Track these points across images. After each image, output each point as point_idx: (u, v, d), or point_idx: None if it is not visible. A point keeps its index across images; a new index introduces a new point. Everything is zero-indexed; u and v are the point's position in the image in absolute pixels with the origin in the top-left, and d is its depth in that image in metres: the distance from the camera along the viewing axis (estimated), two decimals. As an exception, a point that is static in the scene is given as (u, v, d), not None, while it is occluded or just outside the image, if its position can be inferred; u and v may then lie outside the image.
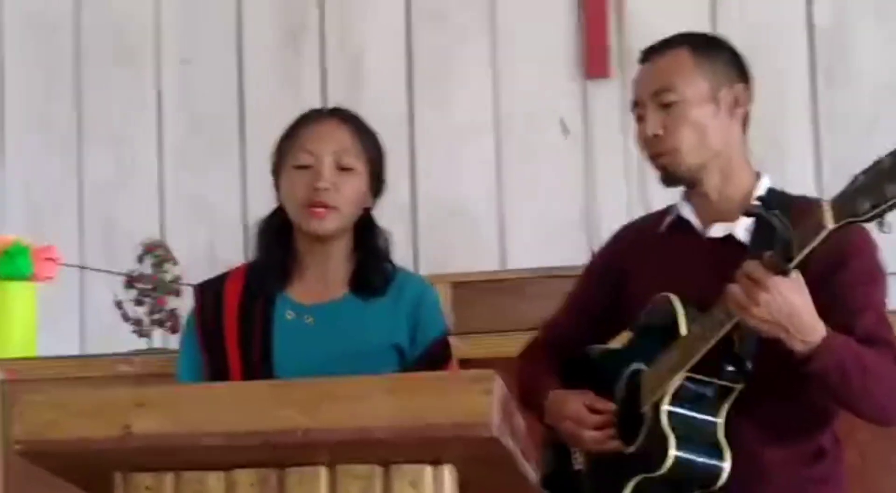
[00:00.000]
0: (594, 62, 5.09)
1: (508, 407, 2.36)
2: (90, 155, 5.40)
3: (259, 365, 2.75)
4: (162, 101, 5.39)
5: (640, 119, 2.68)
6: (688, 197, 2.71)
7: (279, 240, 2.88)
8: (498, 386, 2.27)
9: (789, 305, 2.27)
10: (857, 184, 2.13)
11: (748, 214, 2.46)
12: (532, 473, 2.62)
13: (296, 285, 2.86)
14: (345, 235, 2.85)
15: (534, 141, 5.14)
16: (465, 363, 3.33)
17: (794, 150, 4.80)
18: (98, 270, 4.97)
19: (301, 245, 2.86)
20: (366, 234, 2.89)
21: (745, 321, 2.32)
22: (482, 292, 3.91)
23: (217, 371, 2.78)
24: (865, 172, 2.12)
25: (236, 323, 2.81)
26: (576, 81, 5.13)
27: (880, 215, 2.09)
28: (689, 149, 2.61)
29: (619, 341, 2.75)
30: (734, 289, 2.29)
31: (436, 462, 2.34)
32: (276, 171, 2.87)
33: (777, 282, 2.25)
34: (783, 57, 4.94)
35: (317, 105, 4.95)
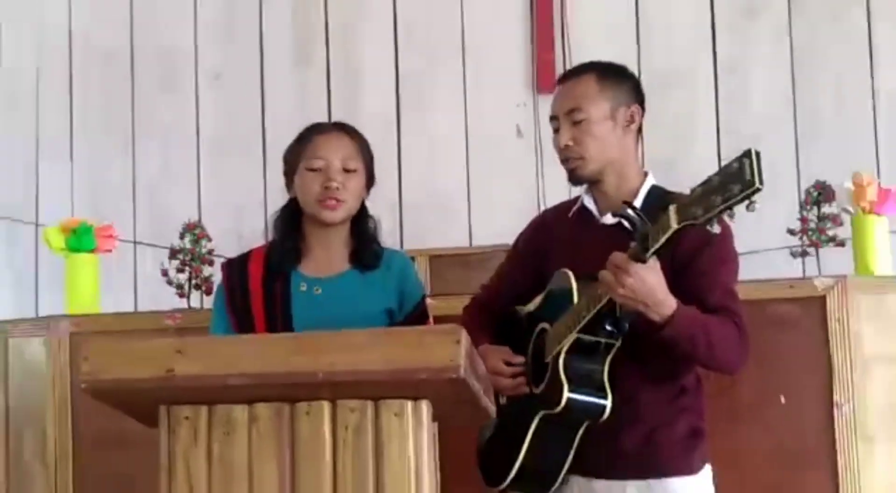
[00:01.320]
0: (542, 80, 5.08)
1: (473, 355, 2.35)
2: (142, 154, 5.38)
3: (280, 327, 2.74)
4: (199, 109, 5.37)
5: (556, 131, 2.70)
6: (590, 190, 2.73)
7: (292, 226, 2.87)
8: (465, 338, 2.26)
9: (646, 286, 2.31)
10: (694, 195, 2.17)
11: (616, 215, 2.48)
12: (492, 408, 2.62)
13: (305, 263, 2.85)
14: (345, 221, 2.84)
15: (495, 143, 5.14)
16: (439, 319, 3.32)
17: (697, 151, 4.82)
18: (148, 244, 4.96)
19: (309, 230, 2.85)
20: (360, 220, 2.89)
21: (613, 298, 2.35)
22: (453, 264, 3.92)
23: (244, 330, 2.77)
24: (701, 185, 2.15)
25: (261, 294, 2.81)
26: (528, 95, 5.13)
27: (709, 221, 2.13)
28: (592, 157, 2.63)
29: (534, 303, 2.74)
30: (604, 273, 2.33)
31: (415, 398, 2.32)
32: (290, 172, 2.86)
33: (637, 268, 2.29)
34: (694, 76, 4.94)
35: (324, 116, 5.02)
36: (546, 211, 2.97)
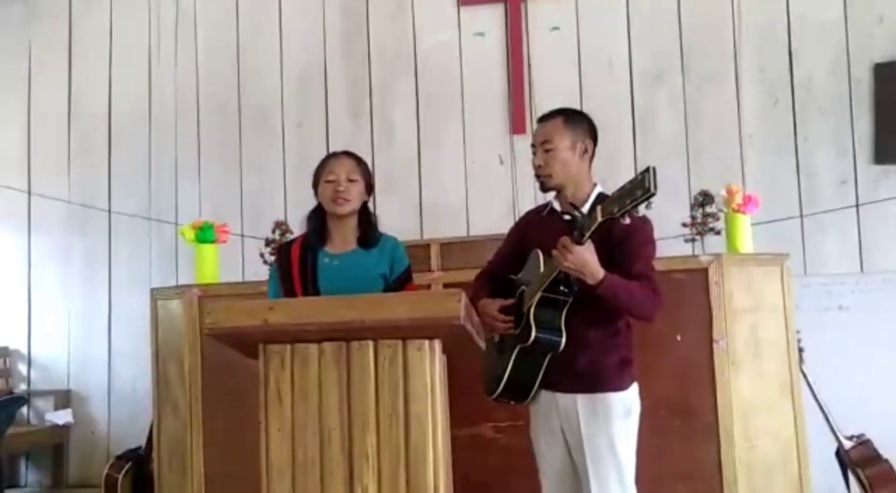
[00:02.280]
0: (516, 125, 5.07)
1: (469, 309, 2.37)
2: (246, 176, 5.37)
3: (311, 289, 2.80)
4: (285, 145, 5.35)
5: (534, 154, 2.70)
6: (557, 196, 2.71)
7: (318, 221, 2.92)
8: (464, 297, 2.28)
9: (582, 260, 2.35)
10: (612, 197, 2.25)
11: (566, 213, 2.55)
12: (482, 343, 2.62)
13: (328, 244, 2.89)
14: (353, 215, 2.90)
15: (485, 167, 5.12)
16: (447, 286, 3.32)
17: (622, 169, 4.78)
18: (250, 236, 4.95)
19: (330, 222, 2.90)
20: (364, 215, 2.93)
21: (561, 268, 2.38)
22: (456, 248, 3.89)
23: (288, 291, 2.83)
24: (618, 190, 2.23)
25: (298, 267, 2.85)
26: (507, 135, 5.10)
27: (623, 214, 2.20)
28: (556, 174, 2.64)
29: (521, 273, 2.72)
30: (555, 251, 2.38)
31: (431, 338, 2.34)
32: (315, 185, 2.92)
33: (576, 248, 2.34)
34: (619, 121, 4.92)
35: (368, 154, 5.01)
36: (527, 212, 2.93)
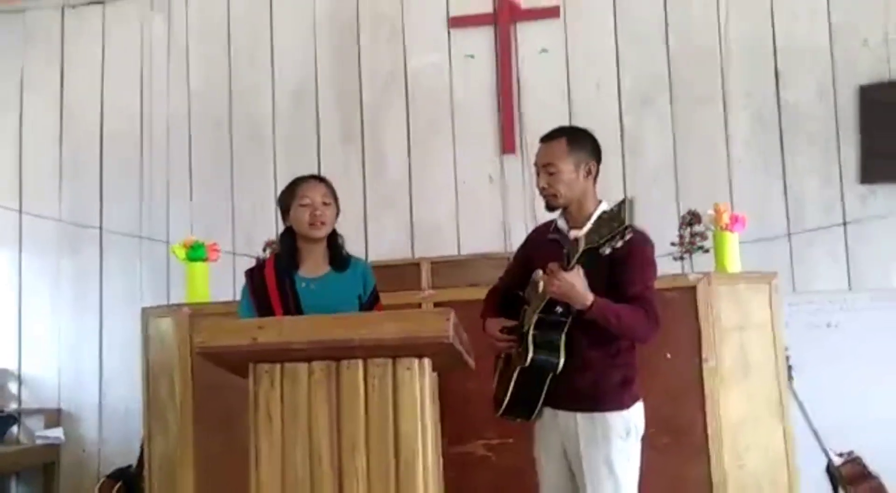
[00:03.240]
0: (507, 144, 5.07)
1: (458, 327, 2.36)
2: (237, 194, 5.36)
3: (293, 311, 2.78)
4: (276, 166, 5.35)
5: (538, 175, 2.68)
6: (563, 214, 2.70)
7: (290, 245, 2.90)
8: (453, 316, 2.27)
9: (568, 285, 2.35)
10: (592, 227, 2.31)
11: (551, 239, 2.64)
12: (472, 362, 2.61)
13: (301, 268, 2.88)
14: (324, 238, 2.89)
15: (475, 187, 5.11)
16: (437, 304, 3.31)
17: (611, 191, 4.80)
18: (242, 254, 4.94)
19: (302, 246, 2.89)
20: (332, 238, 2.93)
21: (547, 293, 2.40)
22: (447, 267, 3.88)
23: (264, 315, 2.78)
24: (596, 221, 2.31)
25: (276, 290, 2.83)
26: (497, 154, 5.10)
27: (603, 244, 2.24)
28: (560, 195, 2.63)
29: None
30: (543, 276, 2.42)
31: (420, 356, 2.32)
32: (286, 209, 2.90)
33: (562, 274, 2.34)
34: (608, 145, 4.91)
35: (359, 174, 5.05)
36: (537, 227, 2.91)
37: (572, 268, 2.34)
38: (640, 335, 2.49)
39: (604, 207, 2.63)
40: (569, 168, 2.61)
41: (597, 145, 2.70)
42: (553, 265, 2.35)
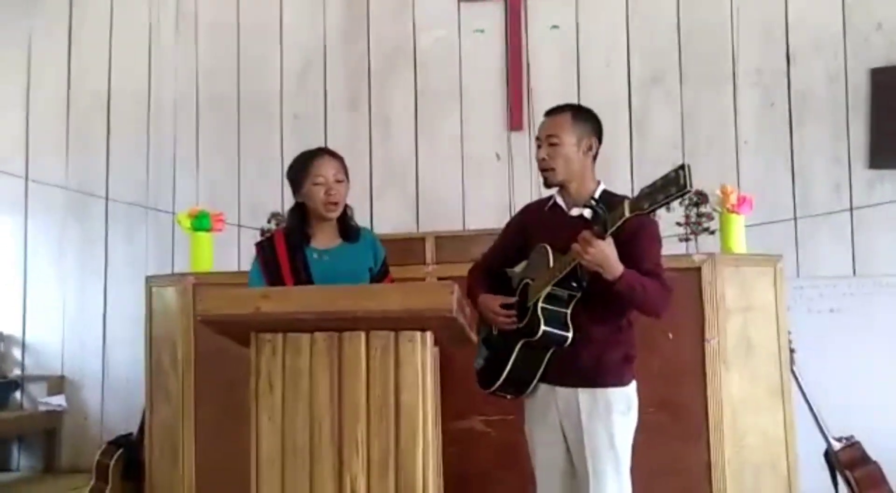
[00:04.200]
0: (514, 121, 5.06)
1: (462, 301, 2.34)
2: (244, 166, 5.36)
3: (305, 282, 2.75)
4: (283, 136, 5.33)
5: (539, 148, 2.64)
6: (560, 192, 2.66)
7: (301, 217, 2.88)
8: (457, 290, 2.26)
9: (603, 255, 2.30)
10: (643, 192, 2.19)
11: (587, 206, 2.47)
12: (474, 337, 2.60)
13: (313, 241, 2.86)
14: None
15: (482, 163, 5.10)
16: (442, 279, 3.29)
17: (619, 169, 4.78)
18: (247, 226, 4.92)
19: (314, 220, 2.86)
20: (343, 210, 2.89)
21: (581, 262, 2.33)
22: (452, 242, 3.86)
23: (275, 286, 2.78)
24: (649, 186, 2.17)
25: (288, 263, 2.81)
26: (504, 131, 5.08)
27: (653, 210, 2.17)
28: (559, 170, 2.59)
29: (520, 267, 2.69)
30: (575, 245, 2.32)
31: (423, 329, 2.31)
32: (297, 185, 2.86)
33: (598, 242, 2.29)
34: (616, 122, 4.89)
35: (366, 148, 5.00)
36: (529, 204, 2.86)
37: (607, 236, 2.30)
38: (660, 308, 2.47)
39: (604, 187, 2.62)
40: (571, 141, 2.58)
41: (600, 125, 2.67)
42: (587, 233, 2.30)
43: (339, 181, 2.82)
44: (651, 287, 2.42)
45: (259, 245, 2.95)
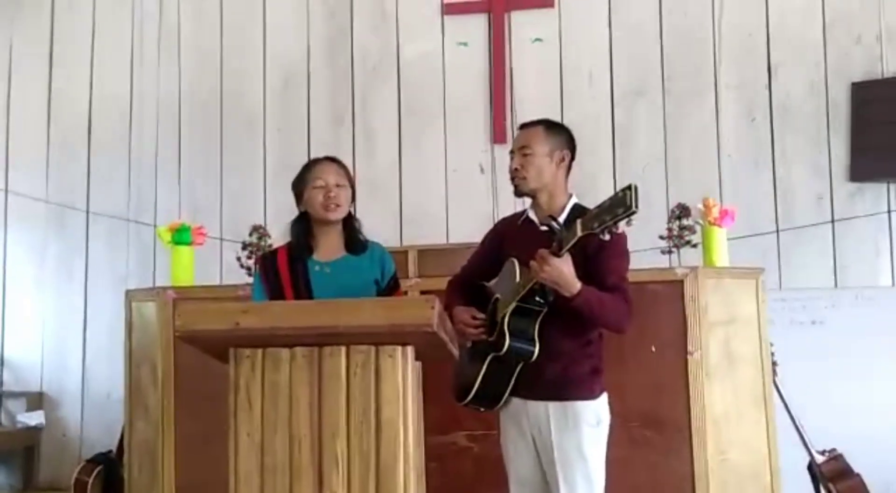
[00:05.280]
0: (497, 135, 5.09)
1: (443, 316, 2.33)
2: (226, 178, 5.35)
3: (304, 296, 2.73)
4: (266, 149, 5.32)
5: (511, 159, 2.68)
6: (532, 205, 2.70)
7: (304, 228, 2.84)
8: (438, 304, 2.25)
9: (559, 272, 2.34)
10: (594, 212, 2.24)
11: (544, 223, 2.51)
12: (456, 351, 2.59)
13: (316, 252, 2.82)
14: (339, 222, 2.83)
15: (465, 176, 5.11)
16: (424, 293, 3.29)
17: (601, 182, 4.79)
18: (228, 239, 4.90)
19: (316, 229, 2.83)
20: (349, 221, 2.86)
21: (537, 279, 2.37)
22: (434, 255, 3.87)
23: (276, 299, 2.76)
24: (598, 206, 2.23)
25: (289, 276, 2.78)
26: (488, 144, 5.10)
27: (602, 230, 2.20)
28: (530, 179, 2.62)
29: (493, 281, 2.71)
30: (532, 262, 2.36)
31: (403, 344, 2.29)
32: (299, 193, 2.84)
33: (553, 260, 2.33)
34: (598, 135, 4.91)
35: (350, 158, 5.01)
36: (503, 219, 2.90)
37: (562, 254, 2.32)
38: (620, 324, 2.50)
39: (575, 200, 2.64)
40: (543, 151, 2.62)
41: (572, 139, 2.71)
42: (543, 252, 2.34)
43: (339, 186, 2.79)
44: (610, 304, 2.45)
45: (261, 258, 2.95)
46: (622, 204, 2.14)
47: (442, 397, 2.73)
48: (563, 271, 2.34)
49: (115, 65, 5.52)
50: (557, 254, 2.33)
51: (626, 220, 2.17)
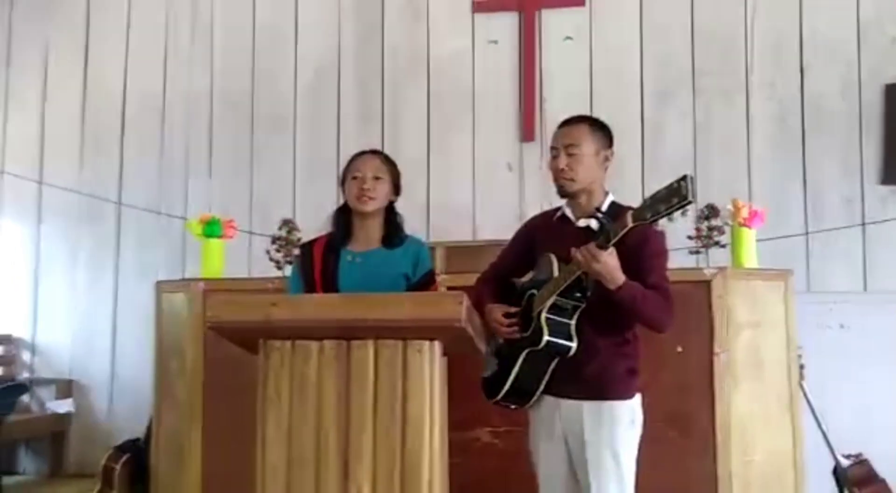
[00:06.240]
0: (526, 133, 5.06)
1: (471, 311, 2.35)
2: (256, 172, 5.38)
3: (332, 288, 2.76)
4: (296, 145, 5.36)
5: (555, 157, 2.62)
6: (569, 203, 2.66)
7: (344, 219, 2.88)
8: (466, 300, 2.26)
9: (606, 265, 2.31)
10: (646, 202, 2.18)
11: (592, 217, 2.47)
12: (483, 346, 2.60)
13: (352, 242, 2.86)
14: (379, 215, 2.86)
15: (493, 173, 5.11)
16: (451, 288, 3.28)
17: (630, 182, 4.77)
18: (257, 233, 4.94)
19: (355, 221, 2.87)
20: (390, 215, 2.89)
21: (583, 271, 2.35)
22: (462, 252, 3.88)
23: (309, 288, 2.80)
24: (651, 196, 2.17)
25: (320, 265, 2.82)
26: (516, 142, 5.09)
27: (655, 220, 2.16)
28: (579, 180, 2.58)
29: (527, 277, 2.70)
30: (578, 254, 2.33)
31: (431, 339, 2.32)
32: (343, 183, 2.89)
33: (600, 253, 2.29)
34: (629, 134, 4.88)
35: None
36: (536, 215, 2.86)
37: (609, 247, 2.30)
38: (662, 322, 2.46)
39: (611, 198, 2.62)
40: (590, 151, 2.58)
41: (612, 138, 2.67)
42: (591, 245, 2.32)
43: (377, 178, 2.82)
44: (653, 300, 2.42)
45: (301, 248, 3.01)
46: (677, 194, 2.08)
47: (465, 392, 2.73)
48: (609, 263, 2.32)
49: (149, 61, 5.57)
50: (604, 247, 2.30)
51: (682, 211, 2.14)
